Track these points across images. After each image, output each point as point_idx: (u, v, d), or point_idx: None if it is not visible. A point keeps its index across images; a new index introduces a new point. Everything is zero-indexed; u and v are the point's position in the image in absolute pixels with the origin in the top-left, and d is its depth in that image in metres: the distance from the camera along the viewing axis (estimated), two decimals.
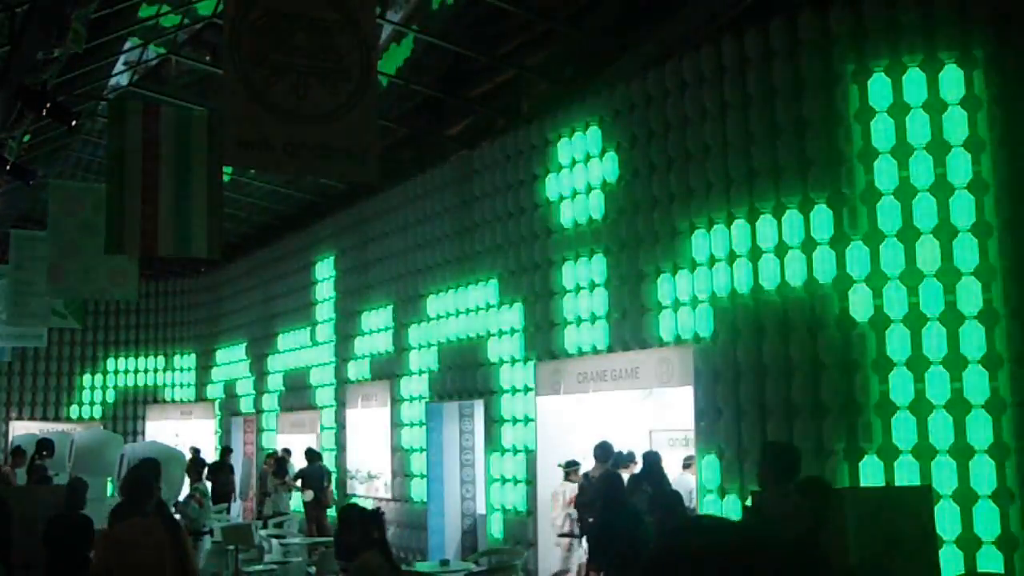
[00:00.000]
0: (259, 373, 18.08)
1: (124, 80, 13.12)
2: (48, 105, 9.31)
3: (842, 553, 5.13)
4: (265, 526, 14.02)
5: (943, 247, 7.00)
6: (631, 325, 9.35)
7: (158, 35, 12.09)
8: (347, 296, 14.94)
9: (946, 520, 6.60)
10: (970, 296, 6.87)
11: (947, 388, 6.88)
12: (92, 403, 21.27)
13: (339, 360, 15.07)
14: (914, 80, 7.28)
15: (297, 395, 16.50)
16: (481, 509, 11.97)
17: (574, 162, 10.31)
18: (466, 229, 12.00)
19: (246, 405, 18.49)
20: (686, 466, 9.72)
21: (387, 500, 13.47)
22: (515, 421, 10.92)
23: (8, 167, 11.03)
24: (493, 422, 11.34)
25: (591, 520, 8.47)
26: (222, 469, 16.93)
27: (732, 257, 8.32)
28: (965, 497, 6.68)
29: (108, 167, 9.59)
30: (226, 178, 15.28)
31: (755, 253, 8.11)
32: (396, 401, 13.41)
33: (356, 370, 14.56)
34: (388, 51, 11.38)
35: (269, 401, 17.58)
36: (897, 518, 5.60)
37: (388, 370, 13.66)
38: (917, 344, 7.03)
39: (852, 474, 7.26)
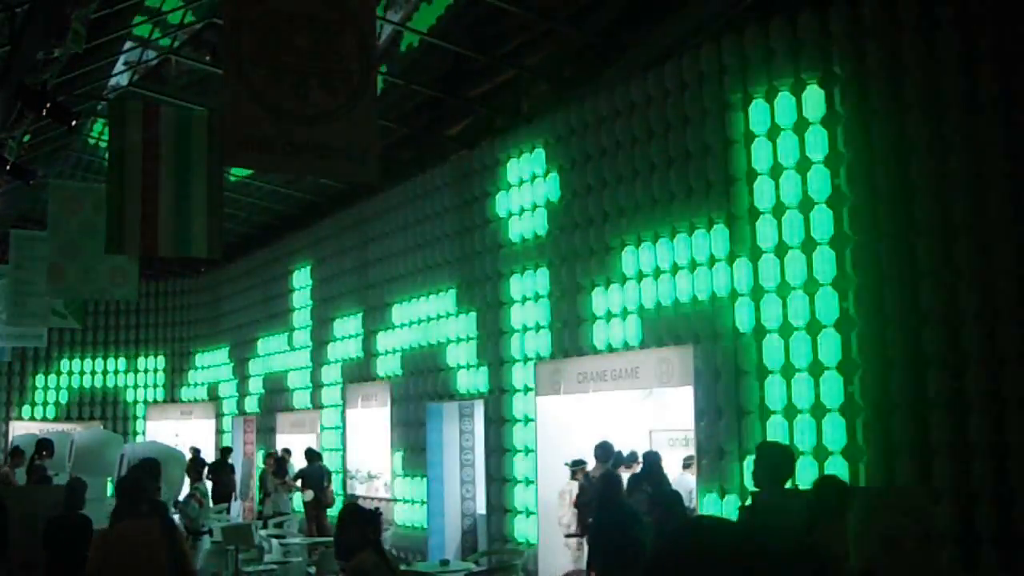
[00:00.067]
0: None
1: (124, 80, 13.13)
2: (48, 105, 9.32)
3: (876, 552, 5.12)
4: (265, 526, 14.02)
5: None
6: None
7: (159, 35, 12.09)
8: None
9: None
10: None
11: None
12: (92, 403, 21.26)
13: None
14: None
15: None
16: (481, 509, 11.97)
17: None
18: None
19: (250, 405, 18.50)
20: (686, 466, 9.71)
21: (387, 500, 13.49)
22: (509, 421, 10.93)
23: (8, 167, 11.03)
24: (502, 422, 11.34)
25: (591, 520, 8.47)
26: (223, 469, 16.96)
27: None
28: None
29: (108, 167, 9.59)
30: (232, 179, 15.32)
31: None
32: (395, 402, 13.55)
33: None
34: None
35: (272, 401, 17.59)
36: (897, 518, 5.60)
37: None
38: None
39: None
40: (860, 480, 7.23)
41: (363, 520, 4.87)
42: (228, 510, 16.54)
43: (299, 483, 14.25)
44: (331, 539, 8.24)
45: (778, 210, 7.99)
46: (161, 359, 21.25)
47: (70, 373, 21.31)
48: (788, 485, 5.83)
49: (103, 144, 15.15)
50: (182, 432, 19.95)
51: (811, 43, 7.87)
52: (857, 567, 5.03)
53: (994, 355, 6.64)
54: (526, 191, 11.02)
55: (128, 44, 12.25)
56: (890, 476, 7.07)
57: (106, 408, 21.26)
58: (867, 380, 7.28)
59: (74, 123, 10.38)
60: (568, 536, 9.70)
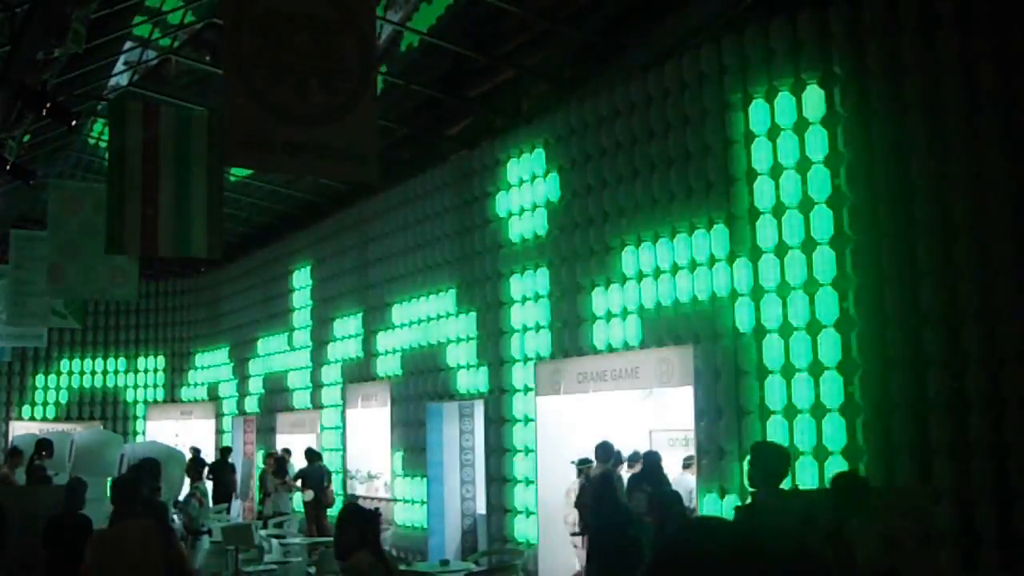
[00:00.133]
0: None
1: (124, 80, 13.12)
2: (48, 105, 9.31)
3: (875, 552, 5.10)
4: (265, 526, 14.02)
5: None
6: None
7: (159, 35, 12.09)
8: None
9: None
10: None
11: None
12: (92, 403, 21.27)
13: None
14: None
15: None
16: (481, 509, 11.97)
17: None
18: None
19: (250, 405, 18.50)
20: (686, 466, 9.71)
21: (387, 500, 13.48)
22: (512, 421, 10.93)
23: (8, 167, 11.02)
24: (502, 422, 11.34)
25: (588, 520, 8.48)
26: (224, 468, 16.97)
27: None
28: None
29: (108, 167, 9.59)
30: (232, 179, 15.33)
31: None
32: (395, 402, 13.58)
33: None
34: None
35: (272, 401, 17.59)
36: (897, 518, 5.60)
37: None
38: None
39: None
40: None
41: (361, 520, 4.86)
42: (228, 510, 16.54)
43: (299, 483, 14.24)
44: (331, 539, 8.24)
45: (778, 210, 8.00)
46: (161, 359, 21.24)
47: (70, 373, 21.31)
48: (784, 485, 5.82)
49: (103, 144, 15.16)
50: (182, 432, 19.95)
51: (811, 43, 7.88)
52: (867, 567, 5.01)
53: (994, 355, 6.64)
54: (526, 191, 11.03)
55: (128, 44, 12.24)
56: (890, 476, 7.07)
57: (106, 408, 21.26)
58: (867, 380, 7.28)
59: (74, 123, 10.37)
60: (573, 535, 9.71)
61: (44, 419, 20.81)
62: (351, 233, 14.96)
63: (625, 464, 9.73)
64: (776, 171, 8.03)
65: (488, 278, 11.52)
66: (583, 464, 9.68)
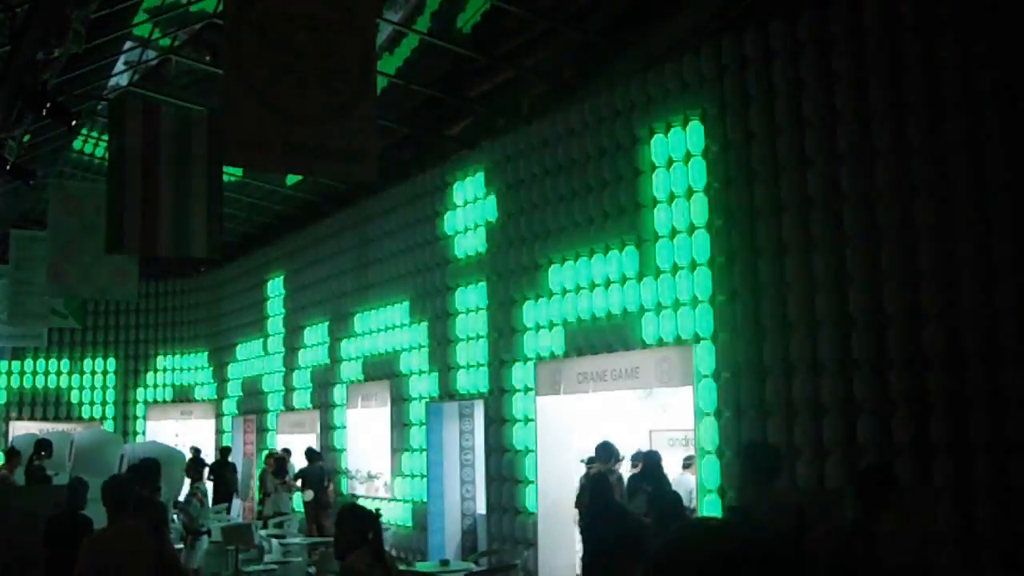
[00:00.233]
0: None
1: (124, 80, 13.12)
2: (48, 105, 9.31)
3: (906, 549, 5.08)
4: (265, 526, 14.02)
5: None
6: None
7: (159, 35, 12.09)
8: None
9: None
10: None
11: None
12: (92, 403, 21.27)
13: (331, 361, 15.73)
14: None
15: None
16: (481, 509, 11.97)
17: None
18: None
19: (250, 405, 18.52)
20: (686, 466, 9.71)
21: (386, 500, 13.48)
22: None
23: (8, 167, 11.02)
24: (502, 422, 11.35)
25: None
26: (225, 467, 16.98)
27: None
28: None
29: (108, 167, 9.59)
30: (233, 178, 15.34)
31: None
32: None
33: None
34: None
35: (273, 401, 17.60)
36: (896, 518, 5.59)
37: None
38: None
39: None
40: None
41: (360, 520, 4.86)
42: (228, 510, 16.54)
43: (299, 483, 14.24)
44: (331, 539, 8.25)
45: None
46: (161, 359, 21.24)
47: (70, 373, 21.31)
48: (775, 483, 5.81)
49: (102, 144, 15.16)
50: (182, 432, 19.96)
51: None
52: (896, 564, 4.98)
53: (994, 355, 6.64)
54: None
55: (128, 44, 12.24)
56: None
57: (106, 408, 21.26)
58: (867, 380, 7.28)
59: (74, 123, 10.37)
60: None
61: (44, 419, 20.82)
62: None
63: (628, 463, 9.72)
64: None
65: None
66: (592, 463, 9.68)
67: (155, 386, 21.26)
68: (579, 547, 9.67)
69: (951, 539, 6.62)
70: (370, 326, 14.24)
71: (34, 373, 21.29)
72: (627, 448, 9.85)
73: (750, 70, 8.39)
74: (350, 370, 14.76)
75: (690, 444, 9.26)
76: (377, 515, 4.91)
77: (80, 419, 20.75)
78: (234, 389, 19.16)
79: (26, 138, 12.15)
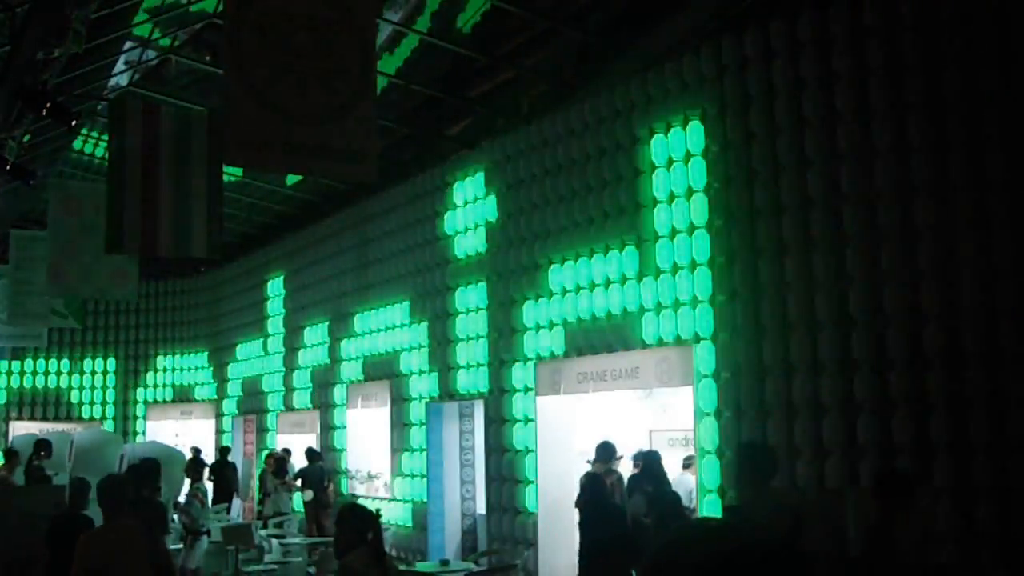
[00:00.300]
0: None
1: (124, 80, 13.12)
2: (48, 105, 9.31)
3: (921, 551, 5.07)
4: (265, 526, 14.02)
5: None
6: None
7: (159, 35, 12.09)
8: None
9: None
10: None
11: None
12: (92, 403, 21.27)
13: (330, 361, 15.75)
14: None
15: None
16: (481, 509, 11.97)
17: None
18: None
19: (250, 405, 18.52)
20: (686, 466, 9.71)
21: (386, 500, 13.48)
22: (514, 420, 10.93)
23: (8, 167, 11.02)
24: (502, 422, 11.35)
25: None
26: (225, 467, 16.99)
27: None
28: None
29: (108, 167, 9.59)
30: (233, 178, 15.35)
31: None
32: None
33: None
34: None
35: (273, 401, 17.60)
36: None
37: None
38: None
39: None
40: (860, 480, 7.23)
41: (360, 519, 4.85)
42: (228, 510, 16.54)
43: (299, 483, 14.24)
44: (331, 539, 8.25)
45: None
46: (161, 359, 21.24)
47: (70, 373, 21.31)
48: (772, 483, 5.80)
49: (102, 144, 15.16)
50: (182, 432, 19.96)
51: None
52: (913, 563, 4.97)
53: (994, 355, 6.64)
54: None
55: (128, 44, 12.24)
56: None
57: (106, 408, 21.27)
58: (867, 380, 7.27)
59: (74, 123, 10.37)
60: None
61: (44, 419, 20.82)
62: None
63: (630, 463, 9.72)
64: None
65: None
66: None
67: (155, 386, 21.26)
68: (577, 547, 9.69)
69: (951, 539, 6.62)
70: (370, 326, 14.26)
71: (34, 373, 21.29)
72: (627, 448, 9.84)
73: (750, 70, 8.39)
74: (350, 370, 14.78)
75: (690, 444, 9.26)
76: (377, 515, 4.91)
77: (80, 419, 20.75)
78: (234, 389, 19.16)
79: (26, 138, 12.14)
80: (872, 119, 7.43)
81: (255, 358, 18.18)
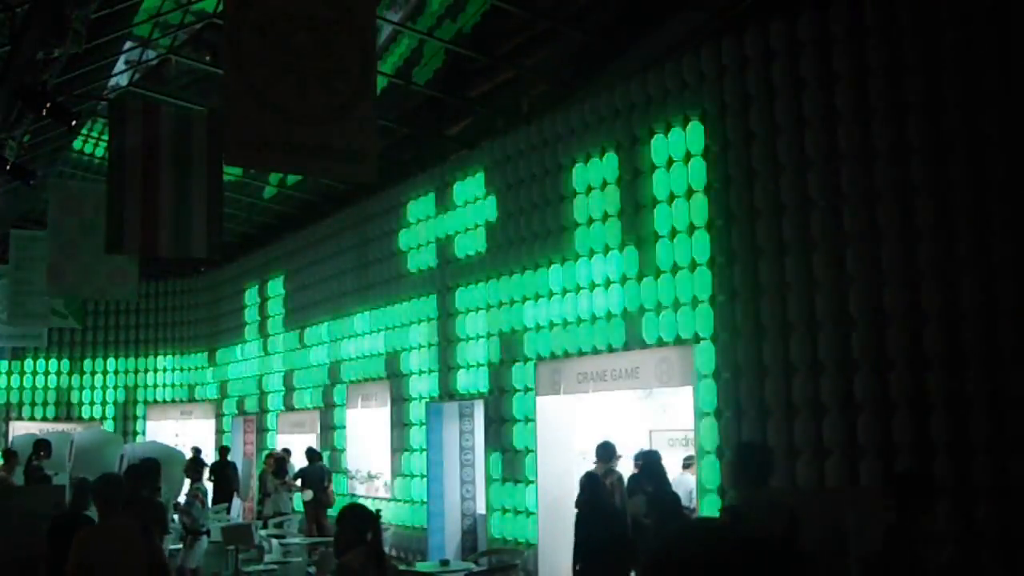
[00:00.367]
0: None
1: (124, 80, 13.12)
2: (48, 105, 9.31)
3: (942, 552, 5.07)
4: (265, 526, 14.01)
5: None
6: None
7: (159, 35, 12.09)
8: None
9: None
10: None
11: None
12: (92, 403, 21.27)
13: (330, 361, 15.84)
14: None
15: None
16: (481, 509, 11.97)
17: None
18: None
19: (249, 405, 18.53)
20: (686, 466, 9.71)
21: (386, 500, 13.49)
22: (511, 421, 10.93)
23: (8, 167, 11.02)
24: (502, 422, 11.35)
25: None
26: (225, 467, 16.99)
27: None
28: None
29: (108, 167, 9.59)
30: (233, 178, 15.36)
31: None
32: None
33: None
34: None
35: (272, 401, 17.61)
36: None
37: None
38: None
39: None
40: (860, 479, 7.23)
41: (359, 519, 4.86)
42: (228, 510, 16.54)
43: (299, 483, 14.23)
44: (331, 539, 8.24)
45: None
46: (161, 359, 21.25)
47: (70, 373, 21.32)
48: (768, 483, 5.81)
49: (102, 144, 15.16)
50: (182, 432, 19.96)
51: (811, 45, 7.92)
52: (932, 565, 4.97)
53: (994, 355, 6.64)
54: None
55: (128, 44, 12.24)
56: (889, 476, 7.06)
57: (106, 408, 21.27)
58: (867, 380, 7.28)
59: (74, 123, 10.37)
60: None
61: (44, 419, 20.82)
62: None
63: (632, 463, 9.72)
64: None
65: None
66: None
67: (155, 386, 21.26)
68: None
69: (951, 539, 6.62)
70: (369, 326, 14.27)
71: (34, 373, 21.29)
72: (626, 448, 9.83)
73: (750, 70, 8.39)
74: (350, 370, 14.79)
75: (690, 444, 9.26)
76: (377, 515, 4.91)
77: (80, 419, 20.76)
78: (234, 389, 19.16)
79: (26, 138, 12.14)
80: (872, 119, 7.43)
81: (255, 358, 18.18)
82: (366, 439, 14.38)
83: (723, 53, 8.60)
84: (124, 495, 5.91)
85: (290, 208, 17.54)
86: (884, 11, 7.42)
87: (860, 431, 7.26)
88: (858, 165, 7.49)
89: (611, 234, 9.69)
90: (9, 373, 21.19)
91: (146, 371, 21.31)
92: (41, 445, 13.93)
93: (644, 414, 10.93)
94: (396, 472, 13.45)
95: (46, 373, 21.27)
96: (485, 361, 11.53)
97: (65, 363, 21.27)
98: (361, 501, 13.05)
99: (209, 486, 15.51)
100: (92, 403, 21.27)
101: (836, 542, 5.08)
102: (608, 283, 9.69)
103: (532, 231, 10.82)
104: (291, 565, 12.33)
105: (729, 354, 8.35)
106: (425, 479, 12.60)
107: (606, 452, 9.36)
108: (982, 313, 6.71)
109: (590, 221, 9.99)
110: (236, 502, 17.40)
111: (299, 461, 14.80)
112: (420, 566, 10.51)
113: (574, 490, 9.71)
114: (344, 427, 14.94)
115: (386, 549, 11.87)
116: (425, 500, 12.59)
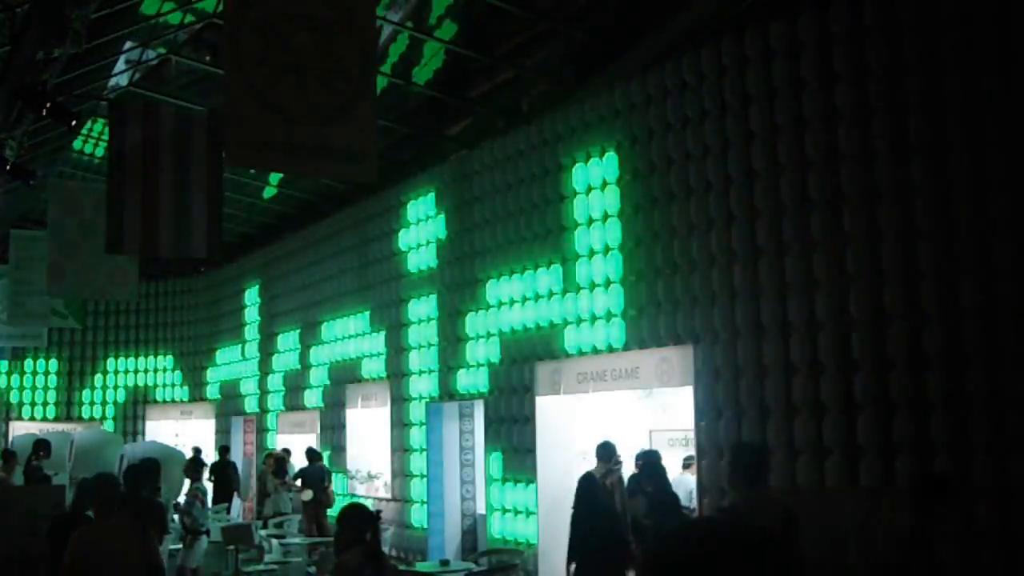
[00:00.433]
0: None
1: (124, 80, 13.12)
2: (48, 105, 9.31)
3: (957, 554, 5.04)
4: (265, 526, 14.01)
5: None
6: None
7: (159, 34, 12.09)
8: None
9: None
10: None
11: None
12: (92, 403, 21.27)
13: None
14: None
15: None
16: (481, 509, 11.97)
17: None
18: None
19: (249, 405, 18.52)
20: (686, 466, 9.71)
21: (386, 500, 13.49)
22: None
23: (8, 167, 11.02)
24: (502, 421, 11.35)
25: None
26: (225, 467, 16.98)
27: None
28: None
29: (108, 167, 9.59)
30: (233, 178, 15.36)
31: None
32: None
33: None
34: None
35: (273, 401, 17.60)
36: (900, 517, 5.59)
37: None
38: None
39: None
40: (860, 480, 7.24)
41: (359, 519, 4.86)
42: (228, 510, 16.54)
43: (299, 483, 14.23)
44: (331, 539, 8.24)
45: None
46: (161, 359, 21.25)
47: (70, 373, 21.32)
48: (763, 483, 5.79)
49: (102, 144, 15.17)
50: (182, 432, 19.96)
51: (811, 45, 7.92)
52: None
53: (994, 355, 6.64)
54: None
55: (128, 44, 12.24)
56: (890, 476, 7.07)
57: (106, 408, 21.28)
58: (867, 380, 7.28)
59: (74, 123, 10.37)
60: None
61: (44, 419, 20.83)
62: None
63: (633, 464, 9.72)
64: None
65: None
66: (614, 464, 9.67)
67: (155, 386, 21.26)
68: None
69: (951, 539, 6.62)
70: (370, 326, 14.27)
71: (34, 373, 21.29)
72: (627, 448, 9.83)
73: (750, 70, 8.39)
74: (350, 370, 14.77)
75: (690, 444, 9.26)
76: (377, 515, 4.91)
77: (80, 419, 20.76)
78: (234, 389, 19.16)
79: (26, 138, 12.14)
80: (872, 119, 7.43)
81: (255, 358, 18.18)
82: (366, 439, 14.38)
83: (723, 53, 8.60)
84: (119, 494, 5.92)
85: (290, 208, 17.54)
86: (884, 11, 7.42)
87: (860, 431, 7.26)
88: (858, 165, 7.49)
89: (611, 234, 9.68)
90: (9, 373, 21.19)
91: (146, 371, 21.30)
92: (40, 445, 13.93)
93: (644, 414, 10.93)
94: (396, 472, 13.44)
95: (46, 373, 21.27)
96: (485, 361, 11.53)
97: (65, 363, 21.27)
98: (361, 501, 13.06)
99: (209, 486, 15.52)
100: (92, 403, 21.27)
101: (836, 542, 5.09)
102: (608, 283, 9.68)
103: (532, 231, 10.80)
104: (291, 565, 12.33)
105: (729, 354, 8.35)
106: (425, 479, 12.60)
107: (606, 452, 9.35)
108: (982, 313, 6.71)
109: (590, 221, 9.98)
110: (236, 502, 17.40)
111: (299, 461, 14.80)
112: (420, 566, 10.52)
113: (574, 490, 9.74)
114: (344, 427, 14.94)
115: (386, 549, 11.88)
116: (425, 500, 12.59)
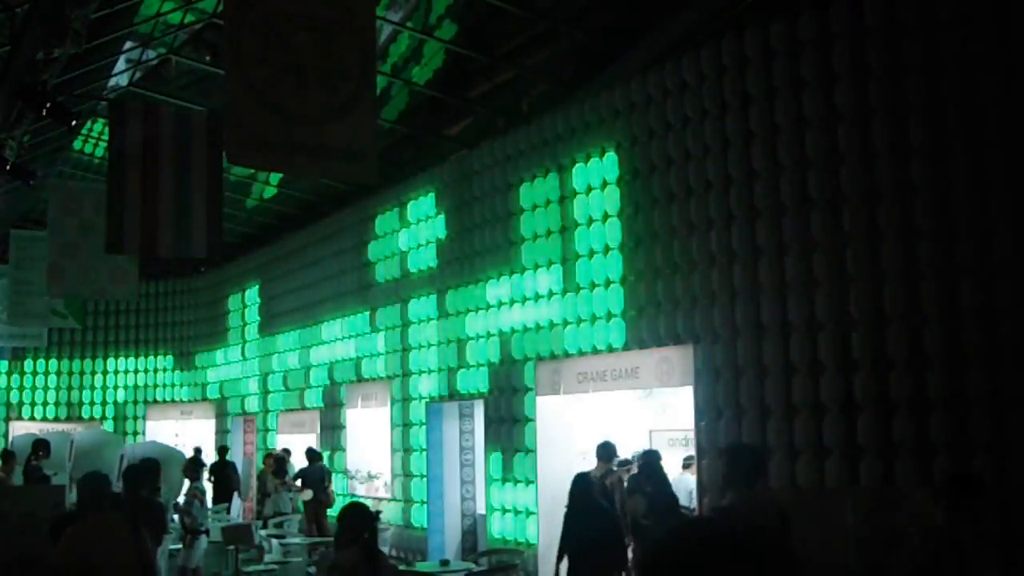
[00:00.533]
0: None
1: (124, 80, 13.12)
2: (48, 105, 9.30)
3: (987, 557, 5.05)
4: (265, 526, 14.01)
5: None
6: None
7: (159, 35, 12.09)
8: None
9: None
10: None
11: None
12: (92, 403, 21.27)
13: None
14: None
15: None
16: (481, 509, 11.97)
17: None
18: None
19: (249, 405, 18.53)
20: (686, 466, 9.71)
21: (386, 500, 13.49)
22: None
23: (8, 167, 11.02)
24: (502, 422, 11.35)
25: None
26: (225, 467, 16.98)
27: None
28: None
29: (108, 167, 9.58)
30: (233, 178, 15.36)
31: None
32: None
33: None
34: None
35: (273, 401, 17.61)
36: (897, 518, 5.60)
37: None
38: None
39: None
40: (860, 480, 7.24)
41: (358, 518, 4.87)
42: (228, 510, 16.54)
43: (299, 483, 14.23)
44: (331, 539, 8.25)
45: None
46: (161, 359, 21.25)
47: (70, 373, 21.32)
48: (759, 484, 5.79)
49: (102, 144, 15.17)
50: (182, 432, 19.96)
51: (811, 45, 7.92)
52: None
53: (994, 355, 6.64)
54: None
55: (128, 44, 12.24)
56: (890, 476, 7.07)
57: (106, 408, 21.28)
58: (867, 380, 7.28)
59: (74, 123, 10.37)
60: None
61: (44, 419, 20.82)
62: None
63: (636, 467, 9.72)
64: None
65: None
66: (624, 464, 9.67)
67: (155, 386, 21.26)
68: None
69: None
70: (370, 326, 14.27)
71: (34, 373, 21.30)
72: (627, 448, 9.84)
73: (750, 70, 8.39)
74: (350, 370, 14.79)
75: (690, 444, 9.26)
76: (377, 515, 4.92)
77: (80, 419, 20.76)
78: (234, 389, 19.17)
79: (26, 138, 12.14)
80: (872, 119, 7.43)
81: (255, 358, 18.18)
82: (366, 439, 14.37)
83: (723, 53, 8.60)
84: (109, 493, 5.92)
85: (290, 208, 17.53)
86: (884, 11, 7.42)
87: (860, 431, 7.26)
88: (858, 165, 7.49)
89: (611, 234, 9.68)
90: (9, 373, 21.19)
91: (146, 371, 21.30)
92: (40, 445, 13.92)
93: (644, 414, 10.93)
94: (396, 472, 13.44)
95: (46, 373, 21.27)
96: (485, 361, 11.53)
97: (65, 363, 21.26)
98: (361, 501, 13.05)
99: (208, 486, 15.52)
100: (92, 403, 21.27)
101: (836, 542, 5.09)
102: (608, 283, 9.69)
103: (532, 231, 10.82)
104: (291, 565, 12.33)
105: (729, 354, 8.35)
106: (425, 479, 12.60)
107: (606, 452, 9.36)
108: (982, 313, 6.71)
109: (590, 221, 9.98)
110: (236, 502, 17.39)
111: (299, 461, 14.80)
112: (420, 566, 10.51)
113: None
114: (344, 427, 14.94)
115: (386, 549, 11.88)
116: (425, 500, 12.59)
